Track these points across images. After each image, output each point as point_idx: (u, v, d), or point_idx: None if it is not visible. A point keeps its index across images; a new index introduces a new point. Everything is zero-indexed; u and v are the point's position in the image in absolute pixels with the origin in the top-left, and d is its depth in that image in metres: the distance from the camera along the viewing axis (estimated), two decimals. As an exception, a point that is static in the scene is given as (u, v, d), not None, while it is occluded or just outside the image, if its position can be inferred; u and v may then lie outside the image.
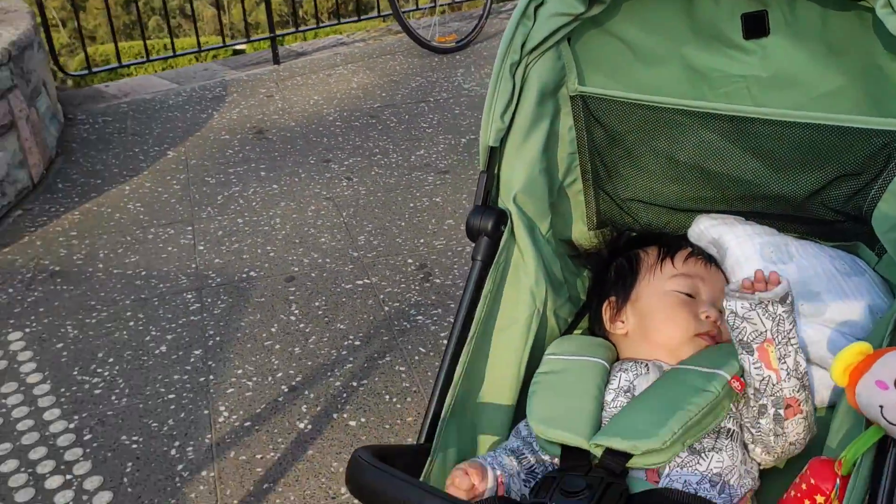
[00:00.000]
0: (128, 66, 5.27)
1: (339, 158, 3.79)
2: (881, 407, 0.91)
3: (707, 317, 1.30)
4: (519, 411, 1.34)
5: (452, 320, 2.61)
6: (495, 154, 1.32)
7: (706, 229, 1.38)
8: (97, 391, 2.34)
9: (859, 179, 1.24)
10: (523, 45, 1.26)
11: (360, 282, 2.82)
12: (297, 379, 2.36)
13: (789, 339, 1.11)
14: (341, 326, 2.59)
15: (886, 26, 1.05)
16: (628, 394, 1.23)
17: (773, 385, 1.13)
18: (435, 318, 2.61)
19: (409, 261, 2.93)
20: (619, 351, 1.38)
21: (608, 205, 1.48)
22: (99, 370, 2.43)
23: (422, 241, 3.06)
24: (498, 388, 1.30)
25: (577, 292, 1.47)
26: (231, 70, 5.23)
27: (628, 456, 1.13)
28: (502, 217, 1.31)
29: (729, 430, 1.17)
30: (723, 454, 1.14)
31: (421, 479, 1.13)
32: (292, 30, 5.77)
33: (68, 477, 2.05)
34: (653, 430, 1.11)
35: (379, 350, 2.47)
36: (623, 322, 1.37)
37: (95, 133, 4.19)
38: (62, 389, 2.35)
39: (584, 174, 1.45)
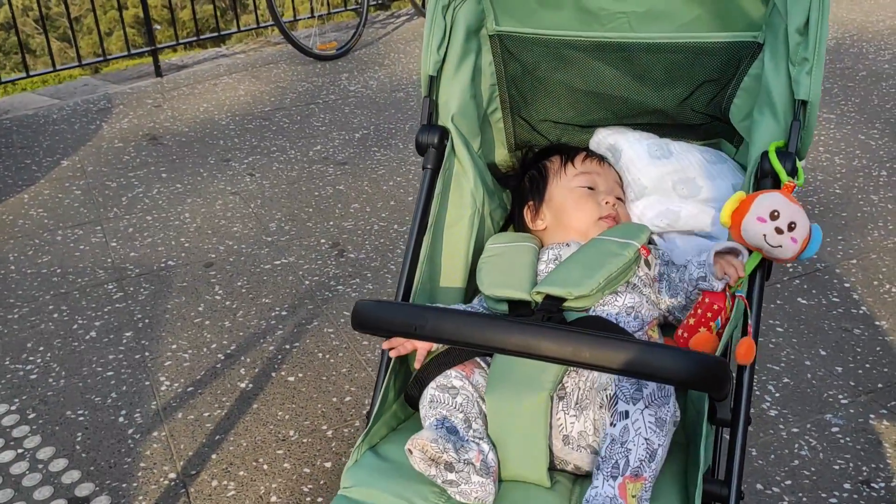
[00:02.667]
0: (6, 83, 5.15)
1: (239, 157, 3.91)
2: (764, 235, 1.22)
3: (606, 202, 1.62)
4: (468, 291, 1.61)
5: (371, 286, 2.81)
6: (434, 82, 1.57)
7: (603, 138, 1.70)
8: (33, 376, 2.39)
9: (718, 84, 1.57)
10: None
11: (277, 262, 2.97)
12: (232, 347, 2.50)
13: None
14: (266, 301, 2.74)
15: None
16: (556, 261, 1.52)
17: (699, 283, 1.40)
18: (354, 287, 2.80)
19: (322, 240, 3.11)
20: (542, 242, 1.66)
21: (523, 128, 1.77)
22: (31, 358, 2.47)
23: (331, 223, 3.25)
24: (451, 271, 1.56)
25: (504, 204, 1.75)
26: (112, 84, 5.22)
27: (563, 301, 1.41)
28: (445, 132, 1.56)
29: (637, 281, 1.48)
30: (634, 294, 1.45)
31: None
32: (172, 42, 5.79)
33: (20, 451, 2.10)
34: (583, 280, 1.41)
35: (306, 317, 2.64)
36: (542, 220, 1.67)
37: (-20, 148, 4.12)
38: (-5, 379, 2.39)
39: (502, 103, 1.73)
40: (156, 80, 5.18)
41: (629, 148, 1.64)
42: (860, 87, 4.46)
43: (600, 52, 1.59)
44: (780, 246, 1.21)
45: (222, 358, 2.45)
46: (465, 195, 1.59)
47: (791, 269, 2.80)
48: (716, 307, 1.26)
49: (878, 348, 2.40)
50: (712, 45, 1.53)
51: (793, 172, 1.29)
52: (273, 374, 2.37)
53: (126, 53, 5.34)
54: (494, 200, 1.69)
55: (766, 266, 1.29)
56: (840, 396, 2.21)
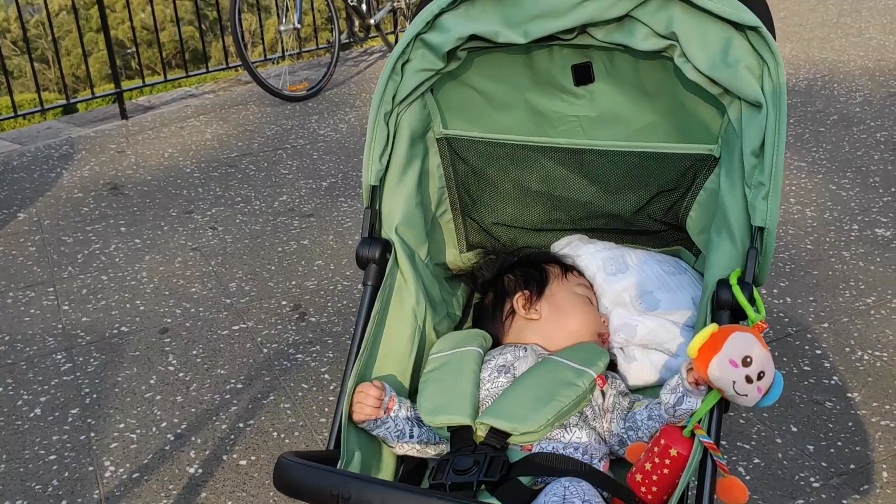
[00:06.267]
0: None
1: (202, 209, 3.81)
2: (734, 382, 1.13)
3: (605, 322, 1.55)
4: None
5: (332, 354, 2.72)
6: (377, 192, 1.48)
7: (559, 252, 1.62)
8: (-30, 461, 2.27)
9: (674, 194, 1.51)
10: (394, 97, 1.44)
11: (236, 327, 2.87)
12: (182, 427, 2.39)
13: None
14: (222, 372, 2.63)
15: (683, 72, 1.31)
16: (508, 374, 1.42)
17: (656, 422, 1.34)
18: (314, 355, 2.71)
19: (283, 303, 3.02)
20: (515, 335, 1.56)
21: (475, 230, 1.68)
22: (-31, 440, 2.35)
23: (293, 282, 3.15)
24: None
25: (453, 310, 1.66)
26: (76, 127, 5.11)
27: (508, 434, 1.31)
28: (387, 246, 1.47)
29: (589, 412, 1.39)
30: (582, 432, 1.36)
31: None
32: (139, 84, 5.69)
33: (-51, 550, 1.98)
34: (531, 415, 1.31)
35: (262, 390, 2.54)
36: (537, 311, 1.56)
37: (-66, 199, 3.99)
38: (-70, 464, 2.26)
39: (452, 205, 1.65)
40: (121, 123, 5.08)
41: (586, 266, 1.58)
42: (831, 132, 4.45)
43: (552, 153, 1.53)
44: (746, 395, 1.13)
45: (171, 438, 2.34)
46: (406, 312, 1.50)
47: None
48: (673, 453, 1.18)
49: (850, 423, 2.33)
50: (666, 155, 1.46)
51: (750, 303, 1.21)
52: (224, 457, 2.27)
53: (90, 97, 5.24)
54: (440, 313, 1.59)
55: (723, 402, 1.21)
56: (812, 479, 2.14)
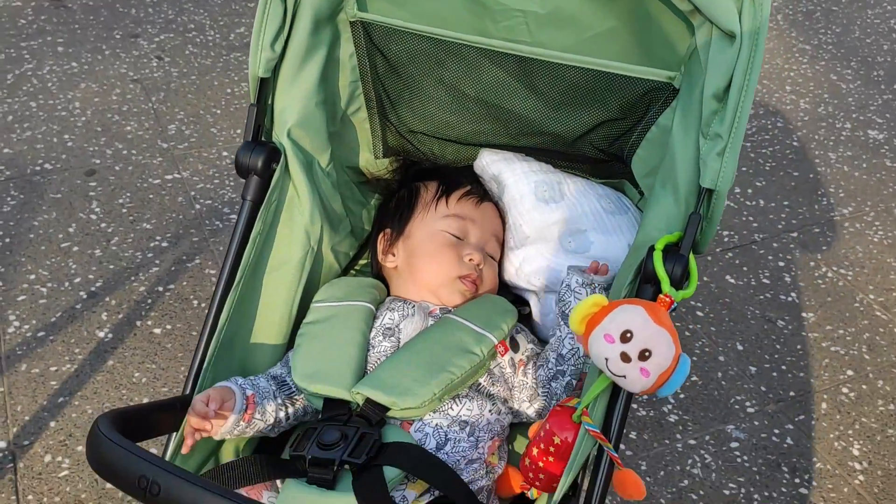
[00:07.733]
0: None
1: (149, 34, 3.48)
2: (606, 359, 0.96)
3: (470, 259, 1.33)
4: (289, 348, 1.33)
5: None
6: (267, 85, 1.24)
7: (487, 165, 1.40)
8: None
9: (622, 124, 1.28)
10: None
11: (169, 177, 2.67)
12: (98, 284, 2.24)
13: None
14: (147, 226, 2.46)
15: None
16: (392, 337, 1.25)
17: (579, 358, 1.22)
18: (249, 216, 2.53)
19: (224, 153, 2.80)
20: (390, 286, 1.40)
21: (394, 135, 1.46)
22: None
23: (239, 131, 2.92)
24: (268, 331, 1.28)
25: (361, 223, 1.46)
26: (24, -79, 4.61)
27: (387, 408, 1.15)
28: (274, 154, 1.25)
29: (480, 384, 1.23)
30: (473, 403, 1.20)
31: (179, 433, 1.10)
32: None
33: None
34: (415, 387, 1.14)
35: (188, 252, 2.38)
36: (394, 255, 1.39)
37: None
38: None
39: (368, 102, 1.41)
40: (73, -79, 4.58)
41: (514, 184, 1.35)
42: (844, 13, 4.10)
43: (490, 56, 1.27)
44: (624, 376, 0.96)
45: (84, 296, 2.20)
46: (296, 233, 1.29)
47: (726, 239, 2.59)
48: (557, 440, 1.03)
49: (798, 346, 2.23)
50: (620, 76, 1.21)
51: (681, 279, 1.02)
52: (138, 323, 2.14)
53: None
54: (342, 231, 1.38)
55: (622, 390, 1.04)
56: (747, 403, 2.06)
